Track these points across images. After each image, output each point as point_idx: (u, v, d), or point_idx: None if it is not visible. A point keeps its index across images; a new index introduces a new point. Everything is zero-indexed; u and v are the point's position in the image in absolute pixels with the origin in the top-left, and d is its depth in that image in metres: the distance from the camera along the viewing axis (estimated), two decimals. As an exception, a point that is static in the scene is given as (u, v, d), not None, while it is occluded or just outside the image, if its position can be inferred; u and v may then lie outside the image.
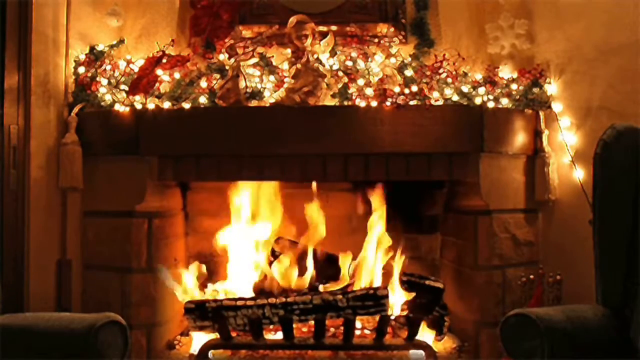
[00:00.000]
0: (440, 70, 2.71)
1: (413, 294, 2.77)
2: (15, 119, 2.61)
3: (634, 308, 1.94)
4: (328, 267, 2.94)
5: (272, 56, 2.83)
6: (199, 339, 2.71)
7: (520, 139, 2.72)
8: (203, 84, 2.71)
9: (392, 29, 2.98)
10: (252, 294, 2.85)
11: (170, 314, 2.85)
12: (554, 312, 1.96)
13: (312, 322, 2.61)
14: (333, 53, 2.79)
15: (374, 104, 2.56)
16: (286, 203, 3.01)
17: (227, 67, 2.74)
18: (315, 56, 2.67)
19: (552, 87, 2.81)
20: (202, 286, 2.91)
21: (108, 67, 2.78)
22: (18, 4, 2.64)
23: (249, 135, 2.58)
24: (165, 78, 2.72)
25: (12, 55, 2.62)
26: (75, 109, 2.73)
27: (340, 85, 2.67)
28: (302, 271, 2.92)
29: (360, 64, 2.75)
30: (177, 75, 2.74)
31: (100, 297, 2.70)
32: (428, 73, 2.71)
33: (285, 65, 2.74)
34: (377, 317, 2.57)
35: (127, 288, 2.67)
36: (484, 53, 2.96)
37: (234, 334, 2.62)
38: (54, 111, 2.73)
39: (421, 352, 2.55)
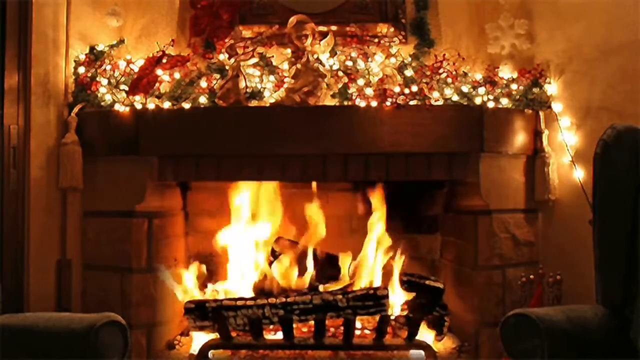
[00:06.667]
0: (440, 70, 2.71)
1: (413, 294, 2.78)
2: (15, 119, 2.61)
3: (634, 308, 1.94)
4: (328, 267, 2.95)
5: (272, 56, 2.83)
6: (199, 339, 2.71)
7: (520, 139, 2.72)
8: (203, 84, 2.72)
9: (392, 29, 2.98)
10: (252, 294, 2.85)
11: (170, 314, 2.85)
12: (554, 312, 1.96)
13: (312, 322, 2.61)
14: (333, 53, 2.79)
15: (374, 104, 2.56)
16: (287, 203, 3.02)
17: (227, 67, 2.74)
18: (315, 56, 2.67)
19: (552, 87, 2.81)
20: (202, 286, 2.91)
21: (108, 67, 2.79)
22: (18, 4, 2.63)
23: (249, 135, 2.58)
24: (165, 78, 2.72)
25: (12, 55, 2.62)
26: (75, 109, 2.73)
27: (340, 85, 2.66)
28: (302, 271, 2.92)
29: (360, 64, 2.75)
30: (177, 75, 2.74)
31: (100, 297, 2.70)
32: (428, 73, 2.71)
33: (285, 65, 2.74)
34: (377, 317, 2.57)
35: (127, 288, 2.67)
36: (484, 53, 2.96)
37: (234, 334, 2.62)
38: (54, 111, 2.73)
39: (421, 352, 2.55)
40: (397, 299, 2.82)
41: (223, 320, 2.57)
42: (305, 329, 2.80)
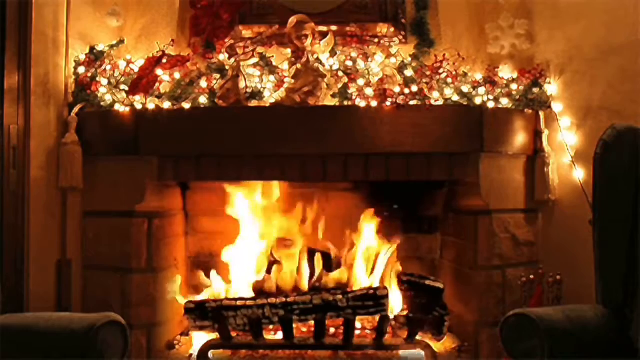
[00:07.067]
0: (440, 70, 2.71)
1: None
2: (15, 119, 2.61)
3: (633, 308, 1.94)
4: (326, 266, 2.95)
5: (272, 56, 2.83)
6: (199, 339, 2.71)
7: (520, 139, 2.72)
8: (203, 84, 2.72)
9: (392, 29, 2.98)
10: (252, 294, 2.85)
11: (170, 314, 2.85)
12: (554, 312, 1.97)
13: (312, 322, 2.61)
14: (333, 53, 2.79)
15: (374, 104, 2.56)
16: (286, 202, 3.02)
17: (227, 67, 2.74)
18: (315, 56, 2.67)
19: (552, 87, 2.81)
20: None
21: (108, 67, 2.78)
22: (18, 4, 2.64)
23: (249, 135, 2.58)
24: (165, 78, 2.72)
25: (12, 55, 2.62)
26: (75, 109, 2.72)
27: (340, 85, 2.67)
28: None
29: (360, 64, 2.75)
30: (177, 75, 2.74)
31: (100, 297, 2.69)
32: (428, 73, 2.71)
33: (285, 65, 2.74)
34: (377, 317, 2.57)
35: (127, 288, 2.67)
36: (484, 53, 2.96)
37: (234, 334, 2.62)
38: (54, 111, 2.73)
39: (421, 352, 2.55)
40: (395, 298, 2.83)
41: (223, 320, 2.58)
42: (305, 329, 2.80)
